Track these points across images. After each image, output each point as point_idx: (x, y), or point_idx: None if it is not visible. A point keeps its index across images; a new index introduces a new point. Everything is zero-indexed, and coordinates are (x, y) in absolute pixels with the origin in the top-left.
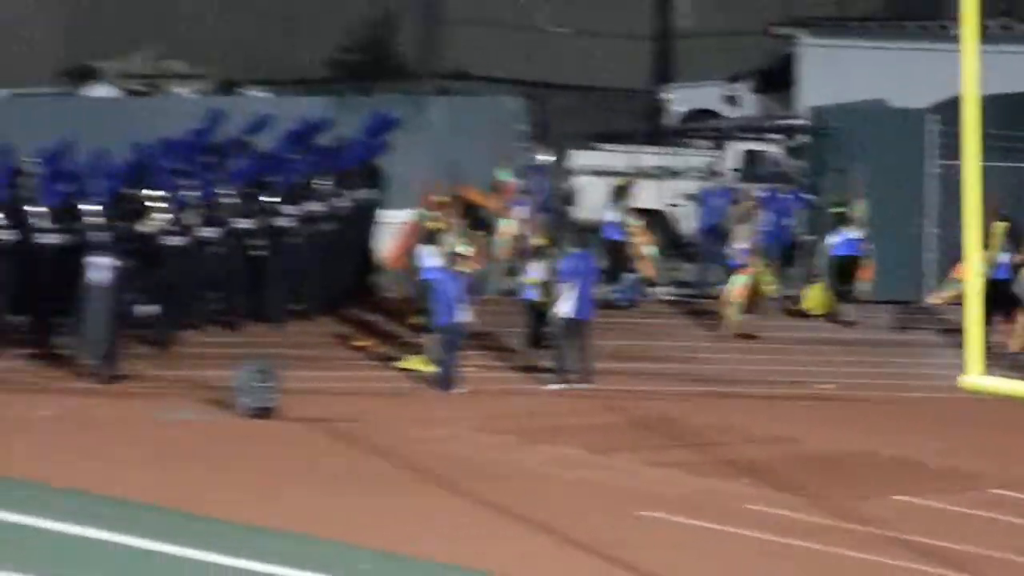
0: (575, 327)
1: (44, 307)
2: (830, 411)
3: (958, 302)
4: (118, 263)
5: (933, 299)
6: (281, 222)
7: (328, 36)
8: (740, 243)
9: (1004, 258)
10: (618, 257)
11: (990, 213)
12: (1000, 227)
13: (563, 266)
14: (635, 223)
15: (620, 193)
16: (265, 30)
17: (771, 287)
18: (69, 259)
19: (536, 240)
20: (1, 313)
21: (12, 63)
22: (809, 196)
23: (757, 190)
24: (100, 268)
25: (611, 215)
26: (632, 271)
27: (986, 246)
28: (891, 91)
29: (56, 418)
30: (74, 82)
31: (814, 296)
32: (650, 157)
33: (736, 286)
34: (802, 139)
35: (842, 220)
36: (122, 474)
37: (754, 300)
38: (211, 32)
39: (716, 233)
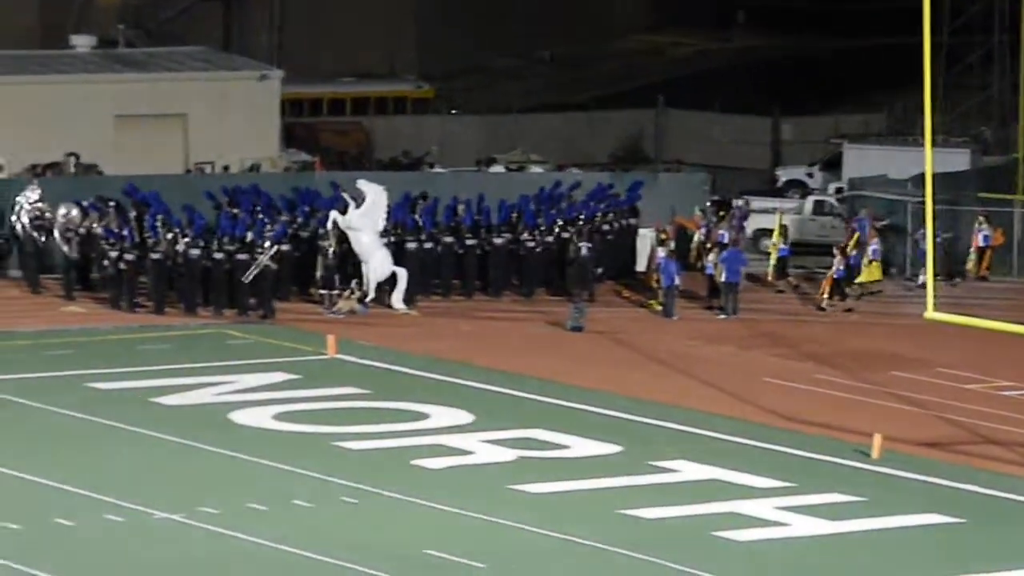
0: (731, 287)
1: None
2: (855, 328)
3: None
4: (590, 245)
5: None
6: (584, 234)
7: (612, 140)
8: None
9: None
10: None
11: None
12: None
13: (724, 256)
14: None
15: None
16: (578, 136)
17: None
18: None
19: (711, 243)
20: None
21: (455, 156)
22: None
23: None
24: (584, 247)
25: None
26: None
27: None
28: (888, 170)
29: (473, 332)
30: (481, 164)
31: (870, 272)
32: (770, 202)
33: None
34: (845, 193)
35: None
36: (512, 358)
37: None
38: (552, 136)
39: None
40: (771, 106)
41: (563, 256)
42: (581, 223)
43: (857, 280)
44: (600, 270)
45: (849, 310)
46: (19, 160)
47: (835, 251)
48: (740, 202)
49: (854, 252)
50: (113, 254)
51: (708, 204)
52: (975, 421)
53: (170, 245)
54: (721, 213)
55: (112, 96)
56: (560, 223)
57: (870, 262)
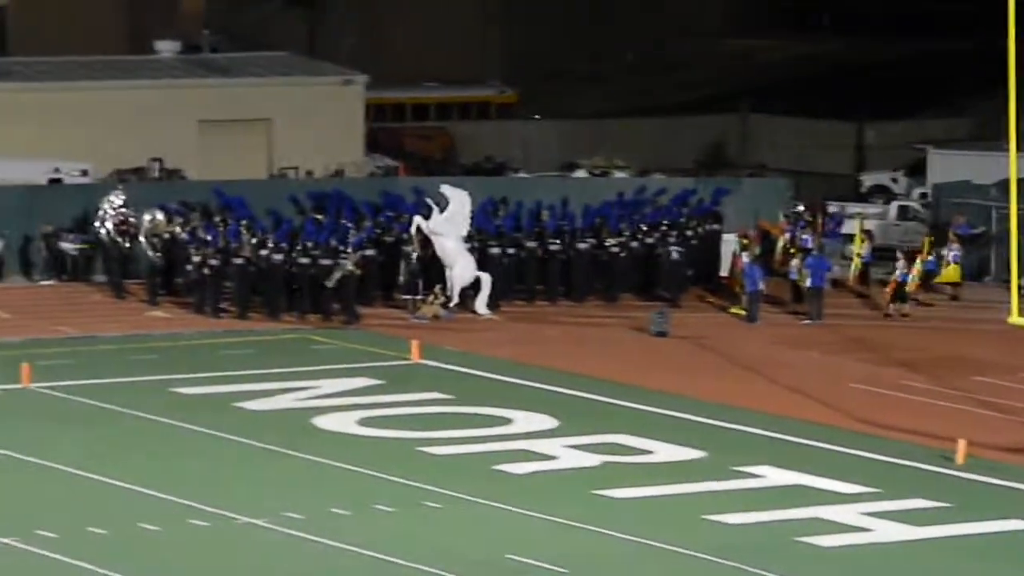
0: (816, 292)
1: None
2: (940, 334)
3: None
4: (682, 250)
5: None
6: (671, 238)
7: (695, 147)
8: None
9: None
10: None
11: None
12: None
13: (810, 261)
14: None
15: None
16: (661, 141)
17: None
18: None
19: (794, 248)
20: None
21: (538, 161)
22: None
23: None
24: (675, 251)
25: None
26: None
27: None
28: (973, 175)
29: (556, 337)
30: (565, 169)
31: (950, 273)
32: (853, 207)
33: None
34: (928, 199)
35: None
36: (596, 363)
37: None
38: (635, 141)
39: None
40: (855, 111)
41: (649, 261)
42: (666, 227)
43: (935, 280)
44: (691, 272)
45: (906, 315)
46: (104, 165)
47: (898, 255)
48: (835, 207)
49: (930, 257)
50: (197, 259)
51: (801, 209)
52: None
53: (254, 250)
54: (810, 218)
55: (196, 101)
56: (644, 228)
57: (947, 264)
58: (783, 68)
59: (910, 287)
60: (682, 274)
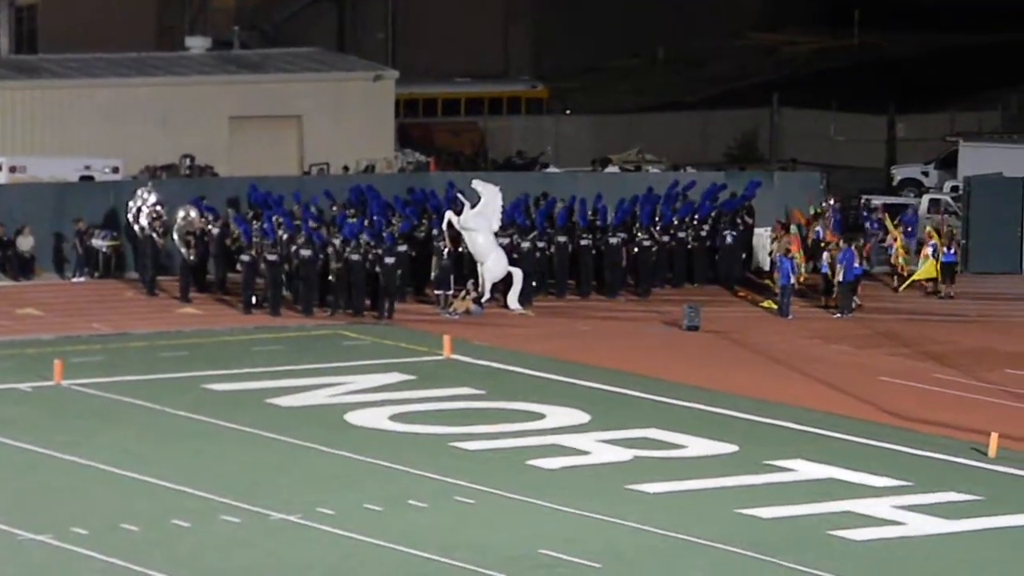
0: (848, 285)
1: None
2: (972, 327)
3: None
4: (735, 234)
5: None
6: (703, 233)
7: (727, 141)
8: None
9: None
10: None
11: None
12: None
13: (841, 255)
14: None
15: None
16: (692, 135)
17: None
18: None
19: (825, 241)
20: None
21: (569, 156)
22: None
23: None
24: (728, 235)
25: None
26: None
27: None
28: (1003, 169)
29: (588, 332)
30: (597, 165)
31: (928, 269)
32: (882, 198)
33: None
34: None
35: None
36: (627, 358)
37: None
38: (666, 136)
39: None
40: (885, 104)
41: (695, 251)
42: (698, 220)
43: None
44: (744, 255)
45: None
46: (135, 162)
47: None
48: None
49: (948, 250)
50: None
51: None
52: None
53: (286, 246)
54: (816, 212)
55: (227, 98)
56: (676, 222)
57: (925, 258)
58: (812, 62)
59: (934, 278)
60: (737, 258)
